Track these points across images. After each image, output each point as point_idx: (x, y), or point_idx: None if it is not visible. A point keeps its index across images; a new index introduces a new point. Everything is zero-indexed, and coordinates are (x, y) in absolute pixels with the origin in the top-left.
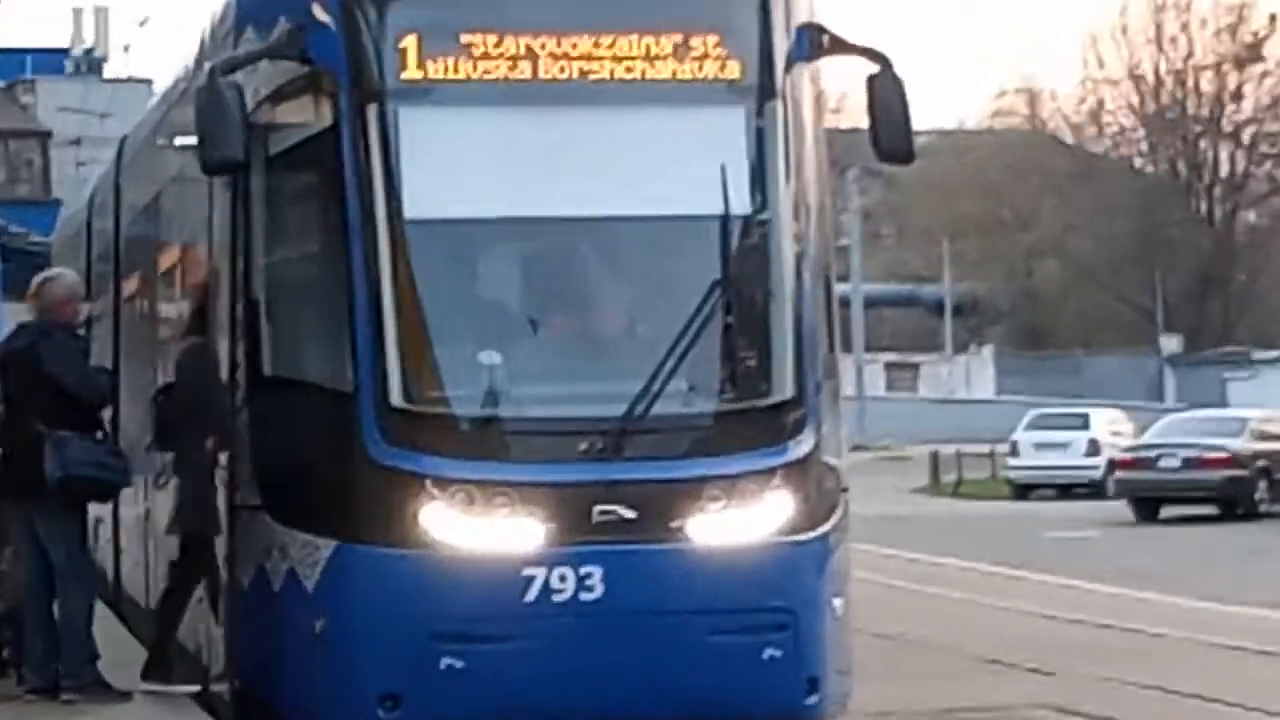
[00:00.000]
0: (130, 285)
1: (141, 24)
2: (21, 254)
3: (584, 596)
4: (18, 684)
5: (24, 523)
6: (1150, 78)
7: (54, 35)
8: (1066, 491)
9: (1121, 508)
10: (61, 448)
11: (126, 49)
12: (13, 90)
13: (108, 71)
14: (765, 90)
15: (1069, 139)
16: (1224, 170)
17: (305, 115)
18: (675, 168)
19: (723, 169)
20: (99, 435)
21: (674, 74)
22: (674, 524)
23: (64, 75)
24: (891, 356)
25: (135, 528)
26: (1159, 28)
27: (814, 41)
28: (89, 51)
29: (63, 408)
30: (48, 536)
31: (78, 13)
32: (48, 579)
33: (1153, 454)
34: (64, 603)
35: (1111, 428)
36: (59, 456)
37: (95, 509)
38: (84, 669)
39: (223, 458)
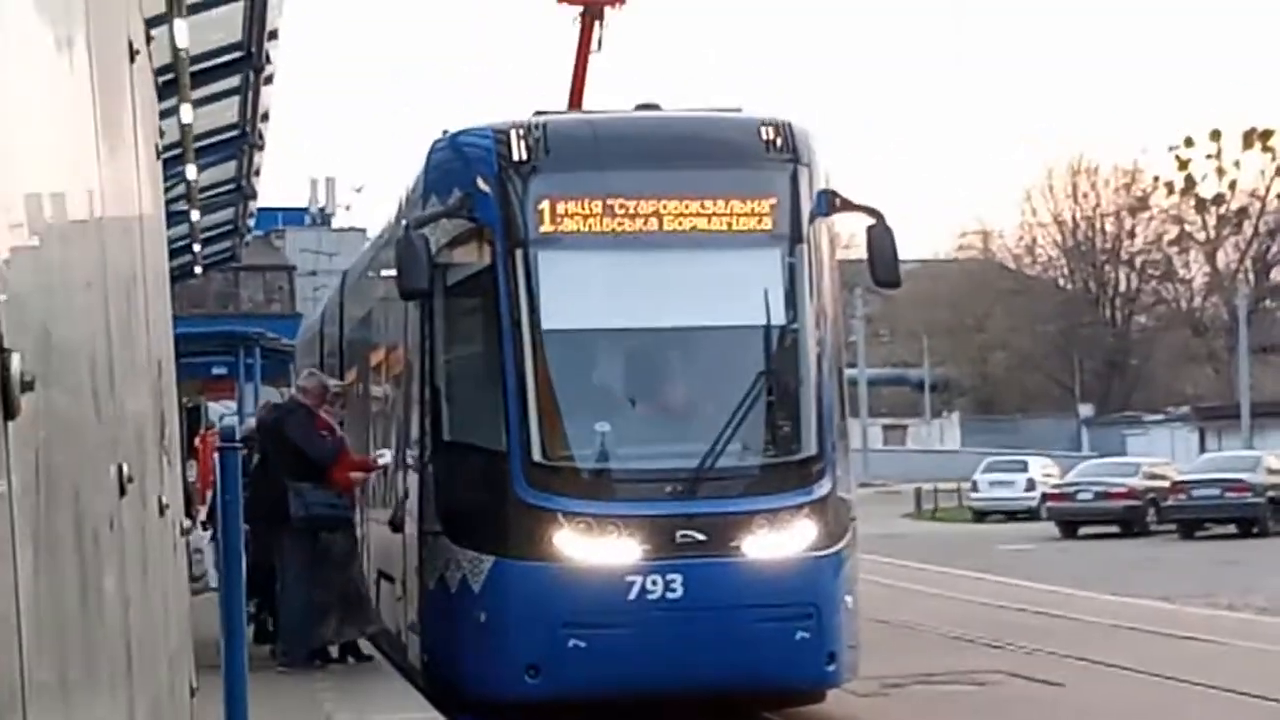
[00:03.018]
0: (350, 375)
1: (358, 190)
2: (274, 353)
3: (669, 596)
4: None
5: (272, 542)
6: (1069, 221)
7: (296, 197)
8: (1012, 516)
9: (1050, 528)
10: (301, 494)
11: (348, 208)
12: (268, 237)
13: (334, 223)
14: (796, 237)
15: (1012, 265)
16: (1122, 287)
17: (471, 257)
18: (733, 291)
19: (766, 292)
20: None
21: (731, 226)
22: (733, 544)
23: (304, 226)
24: (887, 420)
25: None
26: (1075, 186)
27: (830, 202)
28: (321, 209)
29: (300, 463)
30: (287, 556)
31: (314, 181)
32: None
33: (1073, 489)
34: (286, 602)
35: (1043, 470)
36: (300, 501)
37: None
38: (296, 650)
39: (415, 498)
